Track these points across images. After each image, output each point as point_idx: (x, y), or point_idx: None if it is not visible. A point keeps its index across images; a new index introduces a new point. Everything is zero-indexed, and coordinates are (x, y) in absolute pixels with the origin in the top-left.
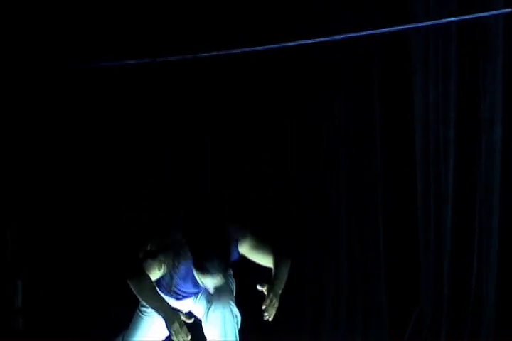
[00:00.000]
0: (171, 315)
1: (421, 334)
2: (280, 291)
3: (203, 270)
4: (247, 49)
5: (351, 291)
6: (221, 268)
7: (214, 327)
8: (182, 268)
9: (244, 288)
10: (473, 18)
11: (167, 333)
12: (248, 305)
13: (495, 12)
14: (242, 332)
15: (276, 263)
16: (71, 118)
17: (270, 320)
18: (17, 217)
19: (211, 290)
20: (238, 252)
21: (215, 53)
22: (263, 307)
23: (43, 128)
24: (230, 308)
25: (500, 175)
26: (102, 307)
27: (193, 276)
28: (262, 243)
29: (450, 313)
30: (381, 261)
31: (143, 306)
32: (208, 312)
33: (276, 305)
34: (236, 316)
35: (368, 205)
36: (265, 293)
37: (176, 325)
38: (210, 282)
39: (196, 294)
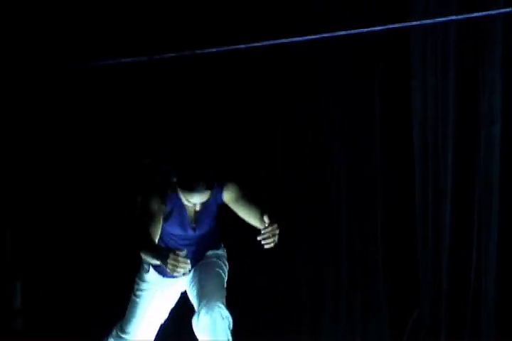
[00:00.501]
0: (163, 255)
1: (421, 329)
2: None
3: (190, 186)
4: (244, 45)
5: (350, 286)
6: (206, 183)
7: (205, 331)
8: (168, 205)
9: (238, 287)
10: (472, 17)
11: (163, 318)
12: (246, 308)
13: (494, 12)
14: (240, 330)
15: (257, 211)
16: (71, 117)
17: (266, 246)
18: (16, 217)
19: (198, 207)
20: (222, 199)
21: (211, 50)
22: (262, 235)
23: (43, 128)
24: (220, 311)
25: (499, 169)
26: (102, 307)
27: (179, 215)
28: (247, 197)
29: (449, 308)
30: (380, 257)
31: (138, 289)
32: (198, 316)
33: (277, 232)
34: (227, 318)
35: (366, 200)
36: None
37: (170, 259)
38: (197, 198)
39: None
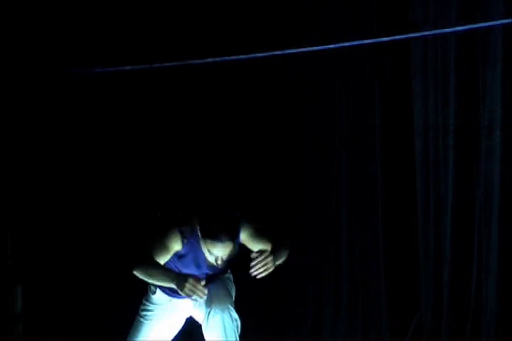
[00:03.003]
0: (181, 279)
1: (421, 337)
2: (275, 261)
3: (213, 236)
4: (245, 56)
5: (351, 298)
6: (230, 234)
7: (214, 331)
8: (185, 248)
9: (242, 291)
10: (472, 28)
11: (170, 337)
12: (247, 308)
13: (494, 23)
14: (242, 334)
15: (274, 248)
16: (69, 123)
17: (257, 276)
18: (17, 222)
19: (219, 263)
20: (239, 239)
21: (210, 60)
22: (252, 263)
23: (43, 134)
24: (230, 313)
25: (500, 181)
26: (102, 312)
27: (195, 257)
28: (262, 231)
29: (450, 317)
30: (381, 268)
31: (144, 310)
32: (207, 317)
33: (269, 266)
34: (236, 320)
35: (368, 210)
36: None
37: (189, 284)
38: (220, 250)
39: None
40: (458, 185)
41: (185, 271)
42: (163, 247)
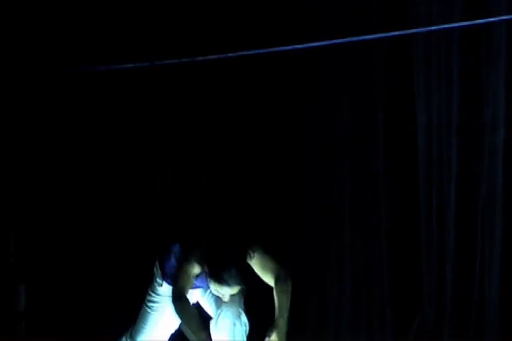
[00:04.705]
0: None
1: (424, 338)
2: (285, 329)
3: (221, 280)
4: (246, 52)
5: (354, 297)
6: (238, 278)
7: (223, 334)
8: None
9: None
10: (475, 24)
11: (174, 328)
12: (252, 309)
13: (497, 18)
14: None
15: (277, 288)
16: (70, 122)
17: None
18: (20, 220)
19: (226, 299)
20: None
21: (209, 58)
22: None
23: (45, 132)
24: (240, 317)
25: (503, 178)
26: (105, 310)
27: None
28: (269, 260)
29: (453, 319)
30: (384, 267)
31: (150, 301)
32: (217, 319)
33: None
34: (245, 325)
35: (370, 208)
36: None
37: None
38: (227, 291)
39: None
40: (461, 183)
41: (197, 284)
42: (187, 275)
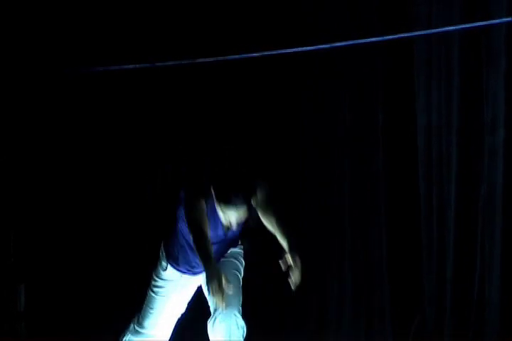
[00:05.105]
0: (214, 273)
1: (424, 338)
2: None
3: (227, 200)
4: (247, 55)
5: (354, 297)
6: (245, 199)
7: (219, 336)
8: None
9: (247, 285)
10: (475, 26)
11: (181, 312)
12: (252, 306)
13: (497, 21)
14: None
15: (277, 225)
16: (70, 122)
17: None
18: (20, 220)
19: (233, 225)
20: (252, 202)
21: (209, 60)
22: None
23: (45, 132)
24: (236, 320)
25: (503, 178)
26: (105, 310)
27: (213, 219)
28: (270, 202)
29: (453, 318)
30: (384, 267)
31: (155, 286)
32: (213, 321)
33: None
34: (242, 328)
35: (370, 208)
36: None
37: (215, 284)
38: (233, 214)
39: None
40: (461, 183)
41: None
42: (202, 211)
